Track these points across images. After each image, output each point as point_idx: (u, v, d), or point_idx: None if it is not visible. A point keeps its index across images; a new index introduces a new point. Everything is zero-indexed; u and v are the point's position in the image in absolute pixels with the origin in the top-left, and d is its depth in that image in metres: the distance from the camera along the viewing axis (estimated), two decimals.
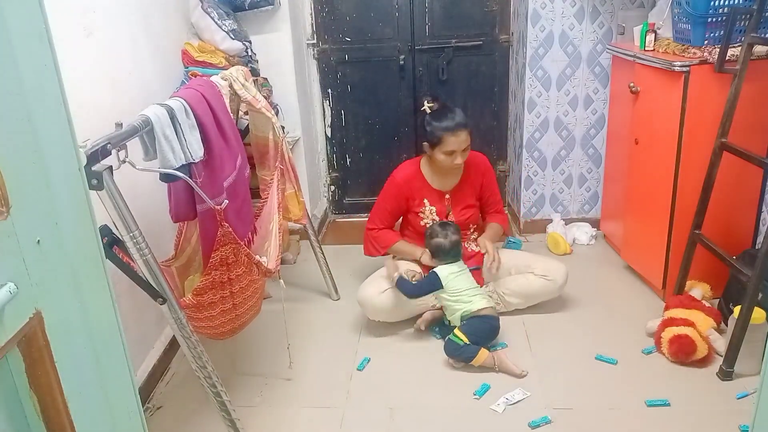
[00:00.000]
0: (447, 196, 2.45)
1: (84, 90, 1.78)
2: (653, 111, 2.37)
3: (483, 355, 2.10)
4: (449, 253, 2.26)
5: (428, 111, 2.35)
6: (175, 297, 1.56)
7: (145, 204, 2.06)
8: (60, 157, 0.82)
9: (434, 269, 2.26)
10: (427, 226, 2.41)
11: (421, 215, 2.43)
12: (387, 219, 2.49)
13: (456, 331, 2.16)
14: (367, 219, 2.54)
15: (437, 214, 2.42)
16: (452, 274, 2.23)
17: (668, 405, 1.91)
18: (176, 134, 1.58)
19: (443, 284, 2.21)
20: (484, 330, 2.17)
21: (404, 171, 2.45)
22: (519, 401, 1.95)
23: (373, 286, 2.35)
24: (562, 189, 3.23)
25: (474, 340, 2.12)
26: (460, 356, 2.12)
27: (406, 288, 2.25)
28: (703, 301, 2.26)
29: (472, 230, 2.51)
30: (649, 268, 2.55)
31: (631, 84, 2.46)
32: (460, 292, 2.21)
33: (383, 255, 2.50)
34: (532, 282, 2.39)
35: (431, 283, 2.24)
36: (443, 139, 2.28)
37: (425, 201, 2.43)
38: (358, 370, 2.18)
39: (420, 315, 2.35)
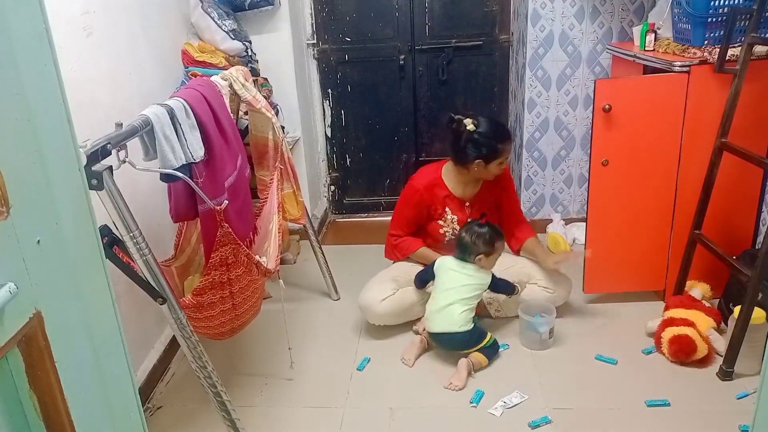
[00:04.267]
0: (467, 204, 2.40)
1: (84, 90, 1.78)
2: (653, 111, 2.37)
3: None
4: (457, 246, 2.21)
5: (473, 128, 2.24)
6: (175, 297, 1.56)
7: (145, 204, 2.07)
8: (60, 157, 0.82)
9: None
10: (446, 234, 2.38)
11: (442, 223, 2.37)
12: (408, 226, 2.43)
13: None
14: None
15: (458, 223, 2.37)
16: (446, 269, 2.21)
17: (668, 405, 1.91)
18: (176, 134, 1.58)
19: (434, 270, 2.24)
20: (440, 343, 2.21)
21: (425, 179, 2.37)
22: (517, 404, 1.95)
23: (374, 291, 2.33)
24: (562, 189, 3.23)
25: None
26: None
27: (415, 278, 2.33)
28: (703, 301, 2.26)
29: None
30: (648, 268, 2.55)
31: (606, 105, 2.29)
32: (436, 296, 2.20)
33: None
34: (536, 294, 2.35)
35: (428, 267, 2.29)
36: (501, 150, 2.24)
37: (447, 209, 2.37)
38: (358, 370, 2.18)
39: (418, 319, 2.36)
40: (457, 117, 2.27)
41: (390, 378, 2.13)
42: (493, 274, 2.22)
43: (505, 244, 2.34)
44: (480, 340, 2.14)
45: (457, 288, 2.15)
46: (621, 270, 2.46)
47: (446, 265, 2.22)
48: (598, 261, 2.44)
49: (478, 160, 2.25)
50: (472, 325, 2.14)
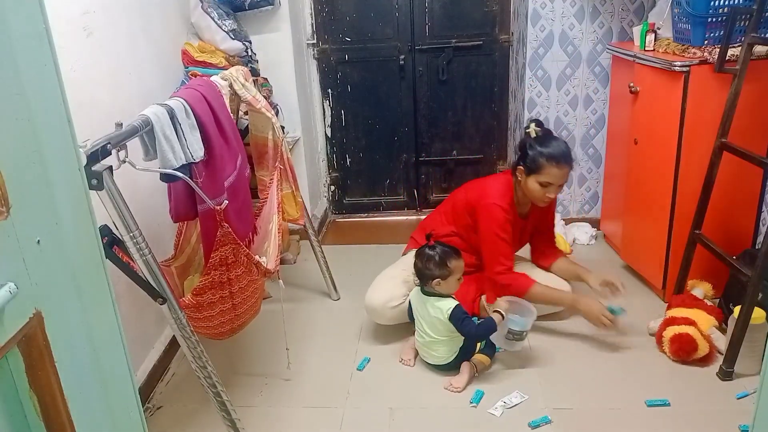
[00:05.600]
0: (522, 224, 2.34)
1: (84, 90, 1.78)
2: (653, 111, 2.37)
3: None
4: (416, 275, 2.12)
5: (533, 135, 2.18)
6: (175, 297, 1.56)
7: (145, 204, 2.07)
8: (60, 157, 0.82)
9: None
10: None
11: None
12: (511, 252, 2.27)
13: None
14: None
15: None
16: (414, 306, 2.17)
17: (668, 405, 1.92)
18: (176, 134, 1.58)
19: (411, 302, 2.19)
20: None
21: (504, 199, 2.23)
22: (517, 404, 1.95)
23: (384, 294, 2.28)
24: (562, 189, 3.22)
25: None
26: None
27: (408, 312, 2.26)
28: (705, 300, 2.26)
29: None
30: (649, 268, 2.55)
31: (631, 84, 2.47)
32: (417, 329, 2.14)
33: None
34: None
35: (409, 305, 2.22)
36: (544, 168, 2.14)
37: (510, 230, 2.27)
38: (358, 370, 2.18)
39: None
40: (534, 120, 2.22)
41: (390, 378, 2.13)
42: (458, 309, 2.03)
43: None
44: (473, 349, 2.13)
45: (424, 328, 2.10)
46: (639, 251, 2.58)
47: (413, 302, 2.17)
48: (632, 237, 2.65)
49: (519, 167, 2.20)
50: (458, 350, 2.10)
